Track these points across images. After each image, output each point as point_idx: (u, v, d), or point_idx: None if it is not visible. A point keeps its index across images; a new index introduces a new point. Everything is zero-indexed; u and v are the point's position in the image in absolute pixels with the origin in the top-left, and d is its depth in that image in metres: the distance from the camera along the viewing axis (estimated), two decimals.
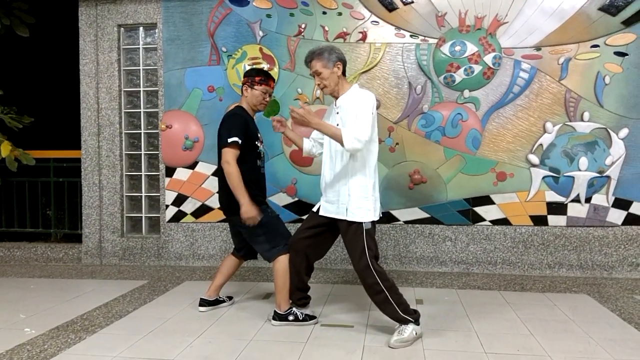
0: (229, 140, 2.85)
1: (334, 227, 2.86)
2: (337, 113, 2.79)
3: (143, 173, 4.78)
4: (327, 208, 2.85)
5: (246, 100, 3.07)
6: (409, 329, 2.66)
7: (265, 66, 4.38)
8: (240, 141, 2.87)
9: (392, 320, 2.73)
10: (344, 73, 2.80)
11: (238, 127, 2.90)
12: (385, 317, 2.73)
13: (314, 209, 2.98)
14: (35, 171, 4.99)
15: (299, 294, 3.06)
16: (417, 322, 2.71)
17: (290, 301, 3.03)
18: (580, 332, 2.86)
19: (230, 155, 2.85)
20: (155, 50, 4.69)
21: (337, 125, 2.74)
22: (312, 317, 3.01)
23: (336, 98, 2.82)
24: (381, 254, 4.23)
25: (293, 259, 2.96)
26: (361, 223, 2.69)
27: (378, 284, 2.66)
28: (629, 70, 4.02)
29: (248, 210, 2.84)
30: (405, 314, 2.67)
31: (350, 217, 2.71)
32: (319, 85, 2.80)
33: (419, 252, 4.35)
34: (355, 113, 2.66)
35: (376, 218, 2.74)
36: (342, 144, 2.59)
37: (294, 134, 3.16)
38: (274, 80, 3.14)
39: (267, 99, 3.10)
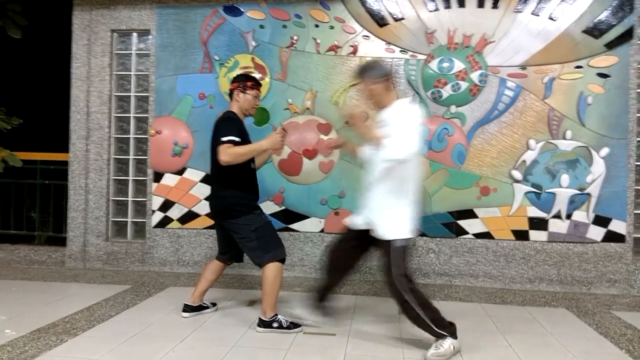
0: (224, 139, 2.87)
1: (370, 239, 2.76)
2: (381, 127, 2.73)
3: (130, 178, 4.78)
4: (364, 219, 2.81)
5: (238, 104, 3.12)
6: (447, 343, 2.62)
7: (257, 76, 4.43)
8: (237, 139, 2.90)
9: (430, 335, 2.68)
10: (391, 85, 2.76)
11: (235, 129, 2.95)
12: (368, 326, 2.75)
13: (347, 221, 2.94)
14: (22, 173, 4.95)
15: (319, 303, 3.08)
16: (454, 336, 2.67)
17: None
18: (558, 345, 2.91)
19: (225, 152, 2.85)
20: (147, 56, 4.71)
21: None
22: (296, 325, 3.03)
23: (381, 110, 2.78)
24: (364, 265, 4.25)
25: (330, 272, 2.97)
26: (391, 240, 2.64)
27: (406, 302, 2.61)
28: (610, 92, 4.14)
29: (270, 141, 2.93)
30: (440, 329, 2.63)
31: (381, 233, 2.66)
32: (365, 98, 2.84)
33: None
34: (399, 125, 2.58)
35: (410, 236, 2.66)
36: (383, 150, 2.53)
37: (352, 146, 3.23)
38: (261, 85, 3.22)
39: (257, 103, 3.18)
